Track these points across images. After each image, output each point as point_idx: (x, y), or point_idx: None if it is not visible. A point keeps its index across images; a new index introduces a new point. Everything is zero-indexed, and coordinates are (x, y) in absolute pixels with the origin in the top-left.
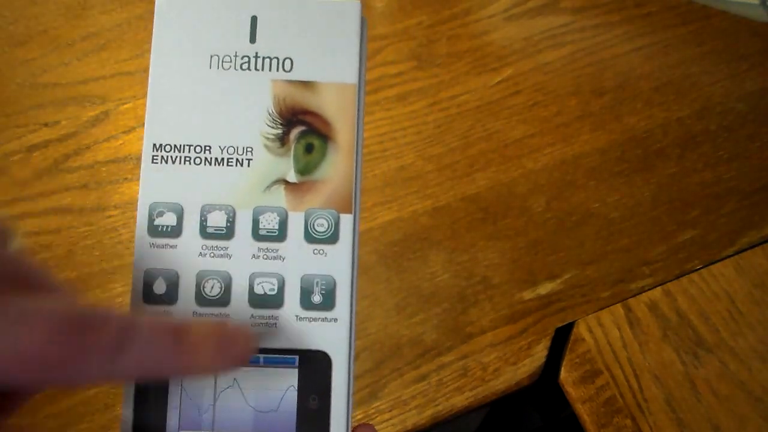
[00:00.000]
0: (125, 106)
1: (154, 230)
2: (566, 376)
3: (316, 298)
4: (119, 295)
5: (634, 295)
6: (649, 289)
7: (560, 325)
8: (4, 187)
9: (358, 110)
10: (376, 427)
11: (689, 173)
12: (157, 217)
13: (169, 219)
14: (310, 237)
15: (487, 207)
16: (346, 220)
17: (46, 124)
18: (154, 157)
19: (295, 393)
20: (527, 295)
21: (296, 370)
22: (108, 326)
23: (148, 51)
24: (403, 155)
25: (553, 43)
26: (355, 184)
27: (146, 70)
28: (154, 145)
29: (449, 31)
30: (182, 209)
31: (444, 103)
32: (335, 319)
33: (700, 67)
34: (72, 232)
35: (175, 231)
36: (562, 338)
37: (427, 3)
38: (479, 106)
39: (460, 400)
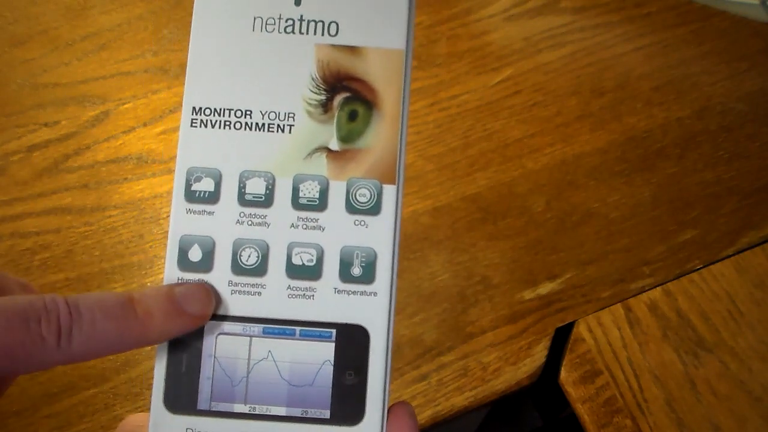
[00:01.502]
0: (125, 106)
1: (191, 195)
2: (566, 376)
3: (356, 271)
4: None
5: (634, 295)
6: (649, 289)
7: (560, 325)
8: (4, 187)
9: (405, 78)
10: None
11: (689, 173)
12: (194, 182)
13: (206, 184)
14: (351, 207)
15: (487, 207)
16: (390, 191)
17: (46, 124)
18: (193, 121)
19: (331, 368)
20: (527, 295)
21: (333, 344)
22: (52, 313)
23: (149, 51)
24: None
25: (553, 43)
26: (400, 154)
27: (146, 70)
28: (194, 108)
29: (449, 31)
30: (220, 175)
31: (444, 103)
32: (375, 293)
33: (700, 67)
34: (72, 232)
35: (213, 197)
36: (562, 338)
37: (427, 3)
38: (479, 106)
39: (460, 400)
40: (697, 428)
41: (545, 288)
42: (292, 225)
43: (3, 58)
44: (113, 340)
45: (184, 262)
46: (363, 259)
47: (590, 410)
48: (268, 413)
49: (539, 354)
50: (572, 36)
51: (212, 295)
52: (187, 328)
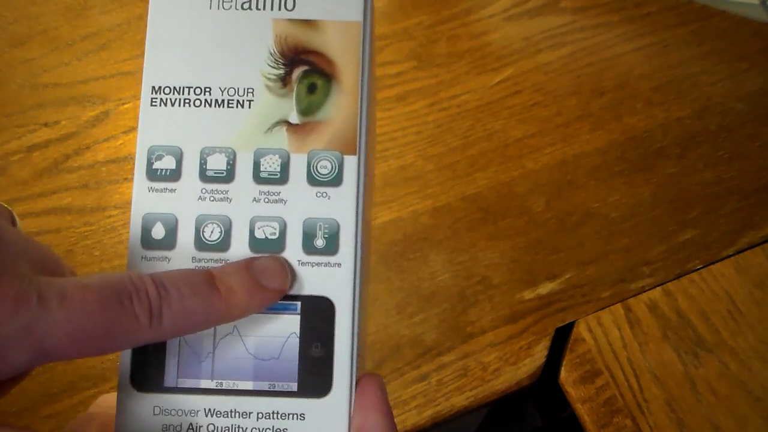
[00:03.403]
0: (125, 106)
1: (152, 174)
2: (566, 376)
3: (319, 243)
4: None
5: (634, 295)
6: (649, 289)
7: (560, 325)
8: (4, 187)
9: (364, 49)
10: None
11: (689, 173)
12: (155, 160)
13: (167, 162)
14: (312, 179)
15: (487, 207)
16: (351, 162)
17: (46, 124)
18: (153, 100)
19: (297, 340)
20: (527, 295)
21: (298, 317)
22: (141, 291)
23: None
24: (403, 155)
25: (553, 43)
26: (360, 125)
27: None
28: (153, 87)
29: (449, 31)
30: (181, 152)
31: (444, 103)
32: (339, 264)
33: (700, 67)
34: (72, 232)
35: (174, 174)
36: (562, 338)
37: (427, 3)
38: (479, 106)
39: (460, 400)
40: (697, 428)
41: (545, 288)
42: (254, 199)
43: (3, 58)
44: (199, 318)
45: (147, 241)
46: (326, 231)
47: (590, 410)
48: (235, 388)
49: (539, 354)
50: (572, 36)
51: (287, 268)
52: (266, 303)
